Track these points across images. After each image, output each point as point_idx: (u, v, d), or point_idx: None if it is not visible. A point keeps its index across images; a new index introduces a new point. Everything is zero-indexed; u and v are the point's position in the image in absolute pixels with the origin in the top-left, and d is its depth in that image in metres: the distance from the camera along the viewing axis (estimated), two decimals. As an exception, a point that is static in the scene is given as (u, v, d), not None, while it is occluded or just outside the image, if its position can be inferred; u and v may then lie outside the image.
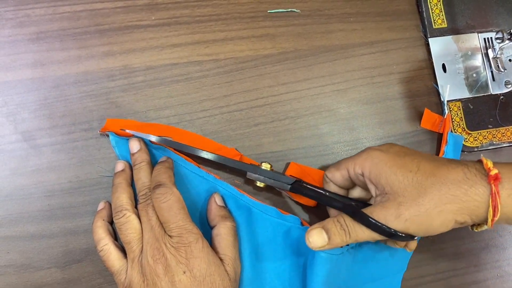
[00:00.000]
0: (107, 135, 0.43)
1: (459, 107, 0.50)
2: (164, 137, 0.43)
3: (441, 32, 0.51)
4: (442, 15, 0.52)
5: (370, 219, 0.36)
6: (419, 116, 0.49)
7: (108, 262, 0.38)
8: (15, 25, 0.43)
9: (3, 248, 0.41)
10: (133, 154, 0.41)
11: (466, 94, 0.51)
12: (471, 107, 0.51)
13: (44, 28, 0.44)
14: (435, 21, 0.51)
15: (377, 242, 0.45)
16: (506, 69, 0.51)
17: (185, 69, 0.46)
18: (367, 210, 0.37)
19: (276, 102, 0.47)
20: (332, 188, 0.43)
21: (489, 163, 0.35)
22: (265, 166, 0.43)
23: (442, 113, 0.50)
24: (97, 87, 0.44)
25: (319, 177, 0.46)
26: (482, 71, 0.52)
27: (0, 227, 0.41)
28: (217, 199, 0.42)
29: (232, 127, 0.46)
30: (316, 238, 0.37)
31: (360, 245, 0.44)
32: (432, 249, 0.48)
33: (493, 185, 0.34)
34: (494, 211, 0.34)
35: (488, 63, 0.52)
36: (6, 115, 0.42)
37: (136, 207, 0.40)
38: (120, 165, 0.41)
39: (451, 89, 0.50)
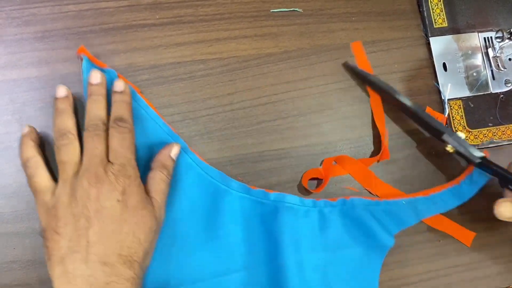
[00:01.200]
0: (81, 59, 0.42)
1: (460, 105, 0.51)
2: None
3: (441, 32, 0.52)
4: (443, 14, 0.52)
5: None
6: (420, 114, 0.50)
7: (35, 178, 0.37)
8: (20, 23, 0.44)
9: (10, 244, 0.41)
10: (91, 85, 0.40)
11: (466, 92, 0.51)
12: (472, 105, 0.51)
13: (49, 27, 0.44)
14: (436, 21, 0.52)
15: (365, 212, 0.46)
16: (506, 68, 0.52)
17: (189, 67, 0.46)
18: None
19: (279, 100, 0.48)
20: None
21: None
22: (461, 134, 0.46)
23: (443, 111, 0.50)
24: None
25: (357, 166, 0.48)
26: (482, 70, 0.52)
27: (6, 223, 0.41)
28: (173, 150, 0.41)
29: (235, 125, 0.46)
30: (505, 208, 0.39)
31: (347, 209, 0.46)
32: (431, 246, 0.49)
33: None
34: None
35: (488, 62, 0.52)
36: (12, 112, 0.42)
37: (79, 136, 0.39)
38: (63, 90, 0.40)
39: (452, 88, 0.51)
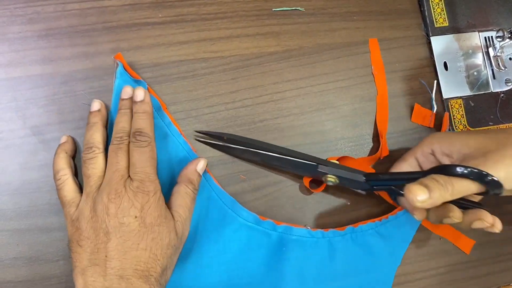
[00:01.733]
0: (117, 65, 0.43)
1: (461, 104, 0.51)
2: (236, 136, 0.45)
3: (442, 31, 0.52)
4: (444, 14, 0.52)
5: (458, 168, 0.36)
6: (421, 113, 0.50)
7: (62, 191, 0.38)
8: (24, 21, 0.44)
9: (13, 241, 0.41)
10: (122, 99, 0.41)
11: (467, 91, 0.52)
12: (472, 104, 0.52)
13: (53, 25, 0.44)
14: (437, 20, 0.52)
15: (374, 235, 0.46)
16: (506, 68, 0.52)
17: (192, 66, 0.46)
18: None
19: (281, 98, 0.48)
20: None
21: None
22: (334, 161, 0.45)
23: (441, 109, 0.51)
24: (105, 83, 0.44)
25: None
26: (483, 69, 0.52)
27: (9, 220, 0.41)
28: (199, 165, 0.42)
29: (237, 123, 0.46)
30: (418, 191, 0.36)
31: (356, 235, 0.46)
32: (434, 243, 0.49)
33: None
34: None
35: (488, 61, 0.53)
36: (16, 110, 0.43)
37: (106, 149, 0.40)
38: (97, 105, 0.41)
39: (453, 87, 0.51)
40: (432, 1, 0.52)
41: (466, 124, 0.51)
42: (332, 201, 0.48)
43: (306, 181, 0.46)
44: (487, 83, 0.52)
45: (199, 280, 0.43)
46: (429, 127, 0.50)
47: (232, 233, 0.44)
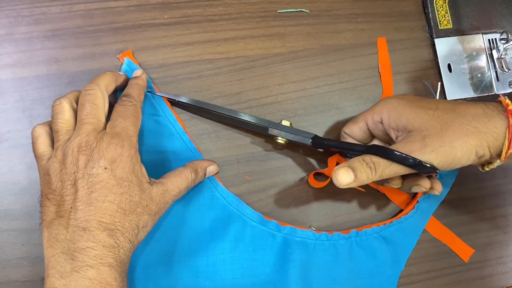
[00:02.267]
0: (122, 62, 0.44)
1: (464, 106, 0.51)
2: (194, 99, 0.44)
3: (446, 33, 0.52)
4: (448, 16, 0.53)
5: (395, 152, 0.37)
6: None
7: (35, 144, 0.37)
8: (31, 22, 0.44)
9: (19, 241, 0.41)
10: (135, 77, 0.42)
11: (471, 93, 0.52)
12: (476, 106, 0.52)
13: (59, 26, 0.44)
14: (441, 22, 0.52)
15: (378, 239, 0.46)
16: (510, 70, 0.52)
17: (197, 67, 0.46)
18: (391, 147, 0.38)
19: (286, 99, 0.48)
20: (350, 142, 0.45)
21: (507, 100, 0.37)
22: (285, 122, 0.44)
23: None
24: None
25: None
26: (486, 71, 0.53)
27: (16, 220, 0.42)
28: (211, 167, 0.42)
29: (242, 124, 0.47)
30: (343, 175, 0.38)
31: (361, 239, 0.46)
32: (437, 245, 0.49)
33: (510, 119, 0.36)
34: (510, 143, 0.36)
35: (492, 63, 0.53)
36: (22, 110, 0.43)
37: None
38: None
39: (456, 88, 0.51)
40: (436, 3, 0.52)
41: (470, 126, 0.51)
42: (336, 203, 0.48)
43: (312, 178, 0.47)
44: (491, 85, 0.52)
45: (204, 278, 0.43)
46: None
47: (237, 232, 0.44)
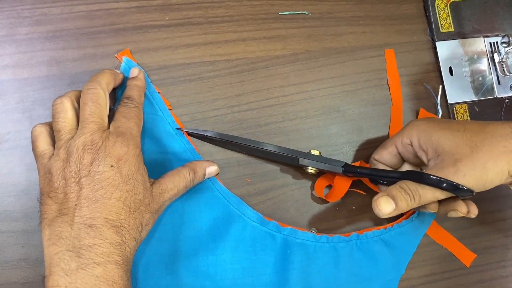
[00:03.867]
0: (121, 61, 0.44)
1: (465, 109, 0.51)
2: (221, 133, 0.45)
3: (448, 36, 0.52)
4: (449, 19, 0.53)
5: (431, 177, 0.37)
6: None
7: (35, 143, 0.37)
8: (32, 23, 0.44)
9: (18, 242, 0.41)
10: (134, 78, 0.42)
11: (472, 97, 0.52)
12: (477, 109, 0.52)
13: (60, 27, 0.44)
14: (442, 25, 0.52)
15: (379, 242, 0.46)
16: (511, 73, 0.52)
17: (198, 68, 0.46)
18: (426, 172, 0.38)
19: (287, 102, 0.48)
20: (381, 168, 0.45)
21: None
22: (315, 152, 0.45)
23: (446, 114, 0.51)
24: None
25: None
26: (488, 74, 0.53)
27: (15, 221, 0.41)
28: (211, 168, 0.43)
29: (243, 126, 0.47)
30: (384, 205, 0.38)
31: (361, 242, 0.46)
32: (438, 248, 0.49)
33: None
34: None
35: (493, 67, 0.53)
36: (23, 111, 0.43)
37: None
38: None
39: (458, 92, 0.51)
40: (438, 7, 0.52)
41: (471, 129, 0.51)
42: (337, 205, 0.48)
43: (319, 188, 0.46)
44: (492, 88, 0.52)
45: (204, 278, 0.43)
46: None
47: (237, 232, 0.44)
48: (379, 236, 0.46)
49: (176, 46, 0.46)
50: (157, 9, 0.46)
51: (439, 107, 0.50)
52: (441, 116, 0.50)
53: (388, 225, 0.47)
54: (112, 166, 0.35)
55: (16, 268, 0.41)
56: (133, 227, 0.35)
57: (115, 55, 0.44)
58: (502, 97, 0.52)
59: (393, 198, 0.38)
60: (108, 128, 0.37)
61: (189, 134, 0.45)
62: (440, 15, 0.52)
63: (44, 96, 0.43)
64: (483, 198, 0.49)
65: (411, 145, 0.42)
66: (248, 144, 0.44)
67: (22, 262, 0.41)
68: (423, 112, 0.50)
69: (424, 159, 0.41)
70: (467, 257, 0.49)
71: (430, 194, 0.38)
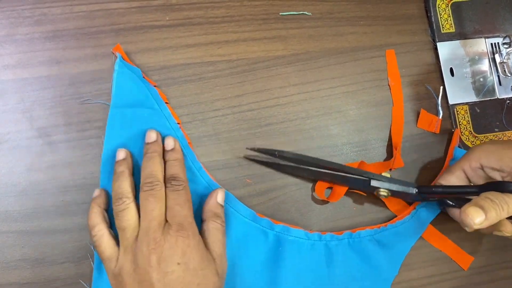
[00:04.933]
0: (116, 57, 0.43)
1: (466, 110, 0.51)
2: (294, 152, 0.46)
3: (449, 37, 0.52)
4: (450, 20, 0.52)
5: None
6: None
7: (101, 247, 0.38)
8: (32, 23, 0.44)
9: (18, 243, 0.41)
10: (147, 143, 0.41)
11: (473, 98, 0.52)
12: (478, 110, 0.52)
13: (60, 27, 0.44)
14: (443, 26, 0.52)
15: (372, 241, 0.46)
16: (512, 74, 0.52)
17: (198, 69, 0.46)
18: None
19: (287, 103, 0.48)
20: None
21: None
22: (386, 174, 0.45)
23: (447, 115, 0.51)
24: (112, 85, 0.44)
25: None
26: (489, 75, 0.52)
27: (15, 221, 0.41)
28: (219, 196, 0.42)
29: (243, 127, 0.46)
30: (475, 214, 0.37)
31: (354, 241, 0.46)
32: (437, 250, 0.49)
33: None
34: None
35: (495, 67, 0.53)
36: (22, 111, 0.43)
37: (136, 196, 0.39)
38: (122, 154, 0.41)
39: (459, 93, 0.51)
40: (439, 7, 0.52)
41: (472, 131, 0.51)
42: (338, 206, 0.48)
43: (320, 190, 0.46)
44: (493, 89, 0.52)
45: None
46: (435, 133, 0.50)
47: (229, 228, 0.44)
48: (373, 236, 0.46)
49: (177, 47, 0.46)
50: (157, 9, 0.46)
51: (439, 108, 0.50)
52: (442, 117, 0.50)
53: (382, 225, 0.47)
54: (178, 263, 0.36)
55: (16, 268, 0.41)
56: None
57: (111, 49, 0.44)
58: (503, 98, 0.52)
59: (482, 207, 0.37)
60: (166, 219, 0.38)
61: (259, 151, 0.45)
62: (441, 16, 0.52)
63: (44, 96, 0.43)
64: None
65: (482, 168, 0.42)
66: (318, 168, 0.45)
67: (22, 263, 0.41)
68: (423, 113, 0.50)
69: (498, 177, 0.41)
70: (464, 260, 0.49)
71: None
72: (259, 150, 0.45)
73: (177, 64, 0.46)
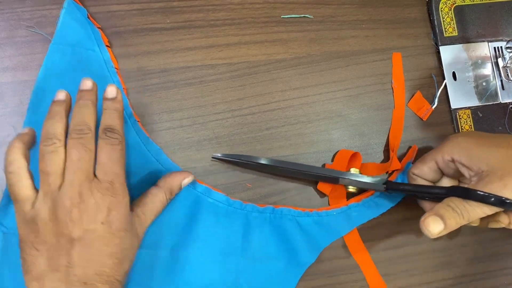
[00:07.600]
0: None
1: (469, 115, 0.51)
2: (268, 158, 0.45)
3: (451, 41, 0.52)
4: (453, 23, 0.52)
5: (479, 192, 0.37)
6: (428, 123, 0.50)
7: (15, 186, 0.34)
8: (32, 25, 0.44)
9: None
10: (81, 90, 0.37)
11: (475, 102, 0.51)
12: (481, 115, 0.51)
13: (60, 29, 0.44)
14: (446, 30, 0.52)
15: (293, 221, 0.45)
16: (515, 78, 0.52)
17: (199, 72, 0.46)
18: (471, 187, 0.38)
19: (288, 106, 0.47)
20: (420, 183, 0.44)
21: None
22: (354, 171, 0.45)
23: (449, 119, 0.51)
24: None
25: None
26: (491, 79, 0.52)
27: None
28: (186, 180, 0.41)
29: (244, 131, 0.46)
30: (433, 225, 0.37)
31: (275, 217, 0.45)
32: (439, 256, 0.48)
33: None
34: None
35: (497, 72, 0.52)
36: (22, 114, 0.42)
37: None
38: (62, 95, 0.36)
39: (461, 97, 0.51)
40: (441, 11, 0.52)
41: (474, 135, 0.50)
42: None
43: (324, 188, 0.46)
44: (496, 93, 0.52)
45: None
46: (433, 137, 0.50)
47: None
48: (295, 217, 0.45)
49: (177, 49, 0.46)
50: (158, 11, 0.46)
51: (436, 99, 0.50)
52: (443, 117, 0.50)
53: (307, 210, 0.45)
54: (102, 222, 0.34)
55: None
56: (123, 276, 0.36)
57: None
58: (506, 103, 0.52)
59: (442, 217, 0.38)
60: (94, 172, 0.35)
61: (219, 159, 0.45)
62: (444, 19, 0.52)
63: (43, 99, 0.43)
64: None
65: (453, 161, 0.42)
66: (283, 166, 0.45)
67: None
68: (418, 96, 0.50)
69: (467, 174, 0.41)
70: (378, 286, 0.47)
71: (479, 210, 0.38)
72: (224, 160, 0.45)
73: (178, 67, 0.46)
